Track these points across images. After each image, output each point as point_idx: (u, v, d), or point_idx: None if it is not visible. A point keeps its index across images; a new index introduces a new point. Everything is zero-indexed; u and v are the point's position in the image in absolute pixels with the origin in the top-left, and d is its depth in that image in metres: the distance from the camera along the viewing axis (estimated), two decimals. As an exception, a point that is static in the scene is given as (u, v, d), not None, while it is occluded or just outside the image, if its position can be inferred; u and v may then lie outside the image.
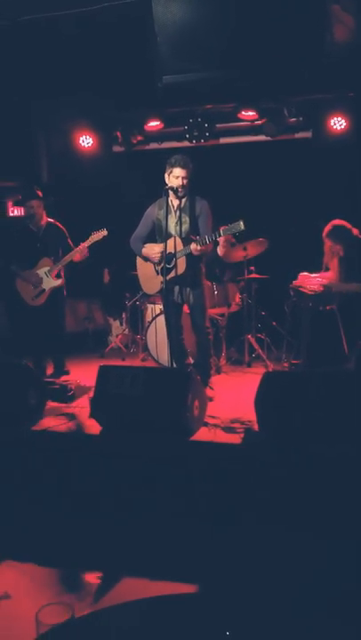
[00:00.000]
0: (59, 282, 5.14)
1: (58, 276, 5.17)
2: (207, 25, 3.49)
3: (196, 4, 3.46)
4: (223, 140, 6.78)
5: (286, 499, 3.32)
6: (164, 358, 5.44)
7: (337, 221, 4.91)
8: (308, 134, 6.48)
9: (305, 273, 5.19)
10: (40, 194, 5.17)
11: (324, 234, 4.96)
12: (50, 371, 5.45)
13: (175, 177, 4.36)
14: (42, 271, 5.13)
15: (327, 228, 4.95)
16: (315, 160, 6.26)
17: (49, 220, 5.27)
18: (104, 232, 5.04)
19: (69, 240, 5.27)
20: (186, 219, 4.52)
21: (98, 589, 2.79)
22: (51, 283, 5.12)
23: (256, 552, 3.00)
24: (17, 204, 6.86)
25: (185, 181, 4.36)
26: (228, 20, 3.60)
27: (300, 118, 6.30)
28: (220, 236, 4.32)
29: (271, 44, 3.89)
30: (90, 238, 5.07)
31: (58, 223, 5.27)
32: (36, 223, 5.20)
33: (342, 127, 6.12)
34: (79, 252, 5.01)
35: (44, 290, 5.15)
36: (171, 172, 4.39)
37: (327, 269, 5.08)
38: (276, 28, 3.79)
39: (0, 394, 4.19)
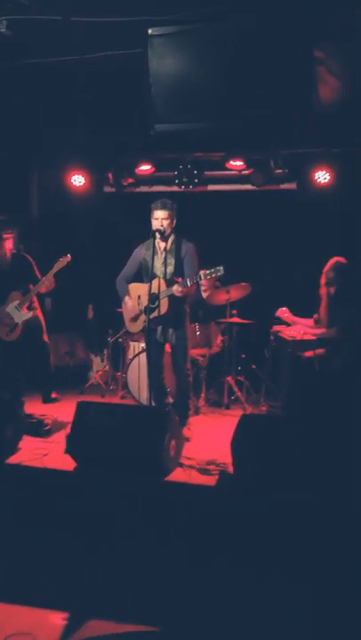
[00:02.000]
0: (30, 314, 5.14)
1: (30, 308, 5.15)
2: (199, 79, 3.68)
3: (189, 60, 3.65)
4: (211, 187, 6.98)
5: (257, 544, 3.31)
6: (144, 397, 5.47)
7: (338, 258, 4.95)
8: (292, 186, 6.70)
9: (284, 308, 5.28)
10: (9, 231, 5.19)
11: (326, 267, 4.95)
12: (36, 408, 5.36)
13: (155, 219, 4.53)
14: (12, 306, 5.13)
15: (328, 263, 4.96)
16: (299, 211, 6.46)
17: (17, 252, 5.28)
18: (68, 258, 5.07)
19: (37, 271, 5.29)
20: (171, 260, 4.64)
21: (63, 630, 2.73)
22: (22, 316, 5.12)
23: (225, 597, 2.98)
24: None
25: (164, 223, 4.51)
26: (219, 77, 3.79)
27: (286, 170, 6.52)
28: (200, 279, 4.43)
29: (260, 100, 4.08)
30: (55, 266, 5.07)
31: (25, 254, 5.26)
32: (2, 257, 5.20)
33: (326, 181, 6.35)
34: (45, 283, 5.01)
35: (16, 324, 5.15)
36: (152, 214, 4.55)
37: (320, 298, 5.11)
38: (265, 85, 3.99)
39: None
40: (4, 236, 5.14)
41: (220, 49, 3.60)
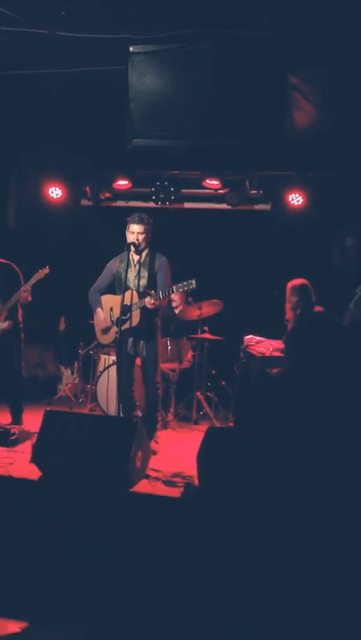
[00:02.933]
0: (5, 324, 5.10)
1: (7, 318, 5.11)
2: (177, 98, 3.78)
3: (167, 79, 3.75)
4: (187, 205, 7.09)
5: (217, 557, 3.33)
6: (113, 409, 5.46)
7: (302, 280, 4.98)
8: (267, 207, 6.85)
9: (249, 336, 5.37)
10: None
11: (288, 286, 5.01)
12: (5, 418, 5.29)
13: (131, 232, 4.59)
14: None
15: (292, 282, 5.00)
16: (273, 231, 6.61)
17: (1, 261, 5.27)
18: (46, 270, 5.05)
19: (23, 282, 5.26)
20: (145, 273, 4.69)
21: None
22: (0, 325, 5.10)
23: (182, 609, 2.97)
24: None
25: (140, 237, 4.58)
26: (196, 96, 3.90)
27: (261, 191, 6.67)
28: (172, 292, 4.48)
29: (236, 121, 4.19)
30: (33, 277, 5.05)
31: (12, 264, 5.25)
32: None
33: (299, 203, 6.51)
34: (22, 294, 4.99)
35: None
36: (128, 228, 4.61)
37: (287, 322, 5.18)
38: (241, 108, 4.10)
39: None
40: None
41: (198, 70, 3.71)
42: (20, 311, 5.17)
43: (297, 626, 2.78)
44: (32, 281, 5.00)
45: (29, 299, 5.06)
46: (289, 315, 5.21)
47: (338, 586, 3.05)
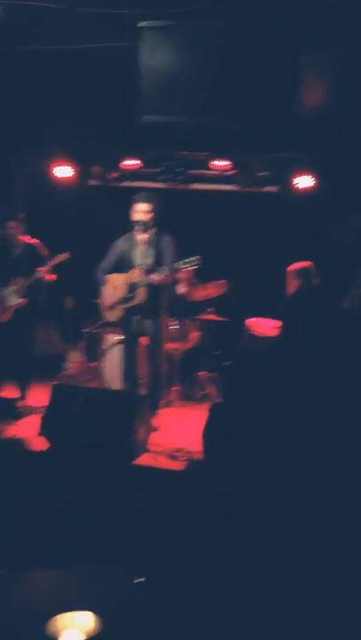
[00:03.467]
0: (20, 300, 5.18)
1: (24, 296, 5.19)
2: (188, 74, 3.78)
3: (178, 55, 3.75)
4: (195, 186, 7.06)
5: (221, 527, 3.39)
6: (117, 386, 5.53)
7: (305, 263, 5.03)
8: (274, 189, 6.83)
9: (255, 319, 5.41)
10: (21, 216, 5.28)
11: (288, 269, 5.08)
12: (12, 393, 5.37)
13: (136, 211, 4.62)
14: (10, 289, 5.18)
15: (294, 265, 5.00)
16: (279, 213, 6.59)
17: (29, 239, 5.35)
18: (65, 255, 5.14)
19: (47, 261, 5.34)
20: (151, 252, 4.73)
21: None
22: (14, 300, 5.17)
23: (185, 580, 3.04)
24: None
25: (146, 215, 4.60)
26: (208, 73, 3.90)
27: (269, 173, 6.65)
28: (177, 268, 4.52)
29: (247, 100, 4.19)
30: (52, 260, 5.14)
31: (38, 243, 5.34)
32: (13, 244, 5.28)
33: (308, 185, 6.48)
34: (40, 274, 5.07)
35: (7, 307, 5.20)
36: (134, 207, 4.64)
37: None
38: (253, 86, 4.10)
39: None
40: (12, 224, 5.24)
41: (208, 46, 3.70)
42: (40, 291, 5.24)
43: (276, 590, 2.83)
44: (50, 264, 5.07)
45: (51, 277, 5.12)
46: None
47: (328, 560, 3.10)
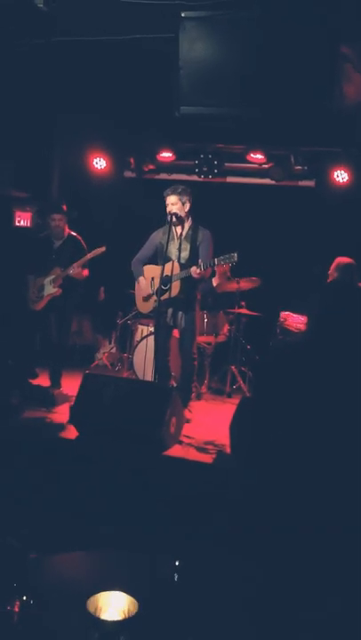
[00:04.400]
0: (55, 290, 5.25)
1: (60, 286, 5.25)
2: (228, 66, 3.75)
3: (218, 46, 3.72)
4: (230, 179, 7.05)
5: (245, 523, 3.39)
6: (149, 378, 5.55)
7: (349, 259, 4.95)
8: (311, 183, 6.75)
9: (287, 312, 5.37)
10: (64, 207, 5.36)
11: (334, 262, 5.00)
12: (45, 381, 5.45)
13: (167, 204, 4.62)
14: (49, 279, 5.27)
15: (339, 258, 4.98)
16: (315, 208, 6.51)
17: (71, 232, 5.43)
18: (102, 249, 5.18)
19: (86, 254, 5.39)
20: (186, 246, 4.72)
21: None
22: (50, 290, 5.24)
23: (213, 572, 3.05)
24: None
25: (174, 208, 4.61)
26: (247, 65, 3.86)
27: (306, 167, 6.58)
28: (215, 264, 4.50)
29: (285, 92, 4.14)
30: (88, 254, 5.18)
31: (79, 237, 5.43)
32: (56, 235, 5.37)
33: (345, 180, 6.39)
34: (76, 269, 5.12)
35: (43, 296, 5.28)
36: (165, 200, 4.65)
37: None
38: (292, 77, 4.05)
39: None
40: (57, 217, 5.31)
41: (247, 37, 3.67)
42: (76, 282, 5.29)
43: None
44: (86, 257, 5.12)
45: (83, 274, 5.17)
46: None
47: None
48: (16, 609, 1.15)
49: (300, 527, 3.22)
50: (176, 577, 1.15)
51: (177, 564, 1.15)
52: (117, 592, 1.09)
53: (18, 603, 1.15)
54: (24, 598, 1.17)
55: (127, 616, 1.05)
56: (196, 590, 1.18)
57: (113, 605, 1.06)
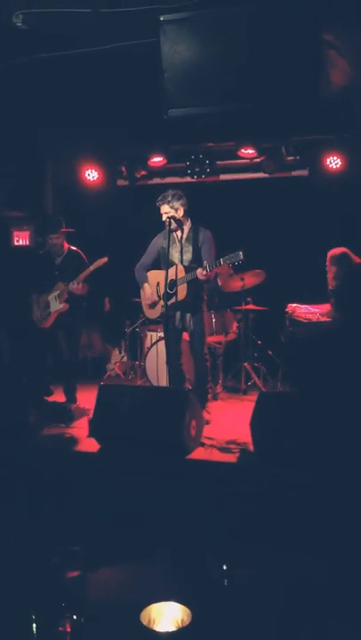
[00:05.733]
0: (62, 306, 5.24)
1: (66, 301, 5.24)
2: (211, 65, 3.73)
3: (201, 47, 3.70)
4: (223, 177, 7.05)
5: (276, 517, 3.37)
6: (163, 384, 5.54)
7: (342, 248, 5.06)
8: (304, 172, 6.74)
9: (294, 304, 5.37)
10: (62, 224, 5.36)
11: (328, 255, 5.11)
12: (60, 397, 5.44)
13: (162, 213, 4.62)
14: (53, 295, 5.27)
15: (332, 251, 5.10)
16: (311, 197, 6.50)
17: (71, 247, 5.43)
18: (104, 259, 5.16)
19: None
20: (188, 247, 4.71)
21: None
22: (56, 306, 5.24)
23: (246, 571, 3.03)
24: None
25: (169, 215, 4.58)
26: (231, 61, 3.84)
27: (298, 157, 6.56)
28: (220, 264, 4.48)
29: (271, 83, 4.12)
30: (91, 266, 5.15)
31: (79, 251, 5.43)
32: (56, 252, 5.37)
33: (338, 166, 6.38)
34: (77, 284, 5.09)
35: (50, 313, 5.28)
36: (160, 210, 4.64)
37: (332, 292, 5.21)
38: (276, 69, 4.03)
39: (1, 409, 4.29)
40: (54, 235, 5.31)
41: (230, 33, 3.65)
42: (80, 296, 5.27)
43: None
44: (90, 269, 5.06)
45: (81, 290, 5.12)
46: (332, 285, 5.20)
47: None
48: (68, 629, 1.14)
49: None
50: (226, 581, 1.13)
51: (225, 567, 1.14)
52: (170, 602, 1.08)
53: (68, 622, 1.14)
54: (74, 617, 1.15)
55: (181, 626, 1.04)
56: (247, 593, 1.16)
57: (166, 616, 1.05)
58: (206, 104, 3.84)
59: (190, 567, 1.46)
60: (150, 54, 4.03)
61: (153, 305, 4.91)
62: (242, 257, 4.38)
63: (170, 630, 1.03)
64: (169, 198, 4.61)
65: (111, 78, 5.15)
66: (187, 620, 1.04)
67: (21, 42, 4.28)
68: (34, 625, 1.10)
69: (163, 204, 4.62)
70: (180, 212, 4.65)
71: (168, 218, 4.59)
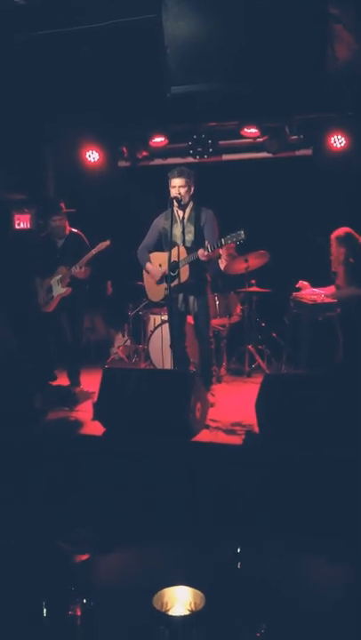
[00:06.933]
0: (64, 290, 5.21)
1: (69, 285, 5.20)
2: (214, 40, 3.66)
3: (203, 22, 3.63)
4: (226, 157, 6.95)
5: (284, 500, 3.36)
6: (167, 367, 5.53)
7: (345, 228, 5.07)
8: (308, 152, 6.65)
9: (305, 282, 5.34)
10: (63, 206, 5.28)
11: (331, 237, 5.13)
12: (64, 381, 5.43)
13: (172, 187, 4.54)
14: (55, 279, 5.22)
15: (335, 232, 5.12)
16: (315, 176, 6.42)
17: (72, 230, 5.37)
18: (107, 242, 5.10)
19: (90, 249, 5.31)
20: (191, 228, 4.65)
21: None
22: (59, 290, 5.20)
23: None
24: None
25: (182, 190, 4.52)
26: (234, 37, 3.77)
27: (301, 136, 6.47)
28: (222, 244, 4.43)
29: (275, 60, 4.06)
30: (94, 249, 5.11)
31: (81, 233, 5.36)
32: (58, 235, 5.30)
33: (342, 145, 6.29)
34: (80, 268, 5.05)
35: (52, 297, 5.24)
36: (169, 183, 4.56)
37: (335, 275, 5.21)
38: (280, 45, 3.96)
39: (6, 395, 4.27)
40: (56, 217, 5.22)
41: (234, 7, 3.57)
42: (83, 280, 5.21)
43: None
44: (92, 253, 5.01)
45: (84, 273, 5.08)
46: (335, 267, 5.18)
47: None
48: (78, 612, 1.12)
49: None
50: (239, 564, 1.11)
51: (238, 551, 1.12)
52: (182, 586, 1.06)
53: (79, 606, 1.12)
54: (84, 601, 1.14)
55: (195, 610, 1.02)
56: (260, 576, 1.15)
57: (179, 600, 1.03)
58: (209, 81, 3.78)
59: (202, 550, 1.45)
60: (151, 30, 3.95)
61: (160, 281, 4.83)
62: (243, 236, 4.33)
63: (184, 614, 1.01)
64: (186, 173, 4.54)
65: (111, 57, 5.06)
66: (200, 603, 1.02)
67: (20, 18, 4.19)
68: (44, 610, 1.08)
69: (177, 176, 4.52)
70: (192, 190, 4.59)
71: (175, 197, 4.51)
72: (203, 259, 4.41)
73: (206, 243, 4.43)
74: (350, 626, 1.15)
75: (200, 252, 4.38)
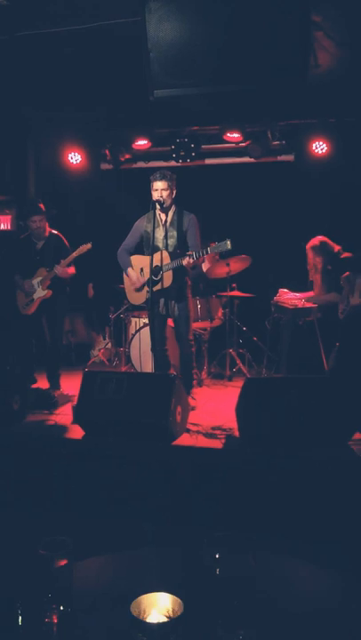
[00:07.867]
0: (45, 292, 5.16)
1: (49, 287, 5.17)
2: (198, 44, 3.67)
3: (186, 25, 3.63)
4: (208, 161, 6.98)
5: (263, 503, 3.37)
6: (148, 370, 5.51)
7: (320, 237, 5.18)
8: (290, 157, 6.70)
9: (285, 289, 5.38)
10: (42, 207, 5.23)
11: (307, 247, 5.22)
12: (44, 384, 5.38)
13: (154, 190, 4.53)
14: (36, 281, 5.17)
15: (310, 242, 5.21)
16: (297, 182, 6.47)
17: (52, 231, 5.32)
18: (88, 245, 5.09)
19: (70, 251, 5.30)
20: (173, 233, 4.65)
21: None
22: (39, 293, 5.16)
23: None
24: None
25: (164, 194, 4.51)
26: (217, 42, 3.78)
27: (283, 142, 6.52)
28: (207, 253, 4.43)
29: (257, 66, 4.07)
30: (75, 252, 5.09)
31: (60, 235, 5.33)
32: (37, 236, 5.24)
33: (323, 151, 6.35)
34: (62, 268, 5.03)
35: (33, 300, 5.19)
36: (152, 186, 4.56)
37: (312, 283, 5.29)
38: (263, 51, 3.98)
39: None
40: (36, 218, 5.14)
41: (218, 12, 3.58)
42: (64, 282, 5.19)
43: None
44: (73, 255, 5.02)
45: (69, 272, 5.06)
46: (312, 276, 5.25)
47: None
48: (55, 619, 1.10)
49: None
50: (218, 570, 1.10)
51: (217, 556, 1.11)
52: (160, 593, 1.05)
53: (55, 614, 1.11)
54: (61, 608, 1.12)
55: (173, 616, 1.01)
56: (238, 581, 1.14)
57: (157, 607, 1.02)
58: (192, 85, 3.78)
59: (180, 556, 1.44)
60: (134, 34, 3.94)
61: (138, 290, 4.84)
62: (230, 246, 4.34)
63: (161, 621, 1.00)
64: (168, 176, 4.53)
65: (94, 59, 5.05)
66: (178, 610, 1.01)
67: (2, 19, 4.15)
68: (19, 617, 1.06)
69: (161, 179, 4.52)
70: (174, 193, 4.58)
71: (157, 200, 4.51)
72: (188, 266, 4.41)
73: (192, 252, 4.42)
74: (335, 632, 1.15)
75: (186, 260, 4.37)
